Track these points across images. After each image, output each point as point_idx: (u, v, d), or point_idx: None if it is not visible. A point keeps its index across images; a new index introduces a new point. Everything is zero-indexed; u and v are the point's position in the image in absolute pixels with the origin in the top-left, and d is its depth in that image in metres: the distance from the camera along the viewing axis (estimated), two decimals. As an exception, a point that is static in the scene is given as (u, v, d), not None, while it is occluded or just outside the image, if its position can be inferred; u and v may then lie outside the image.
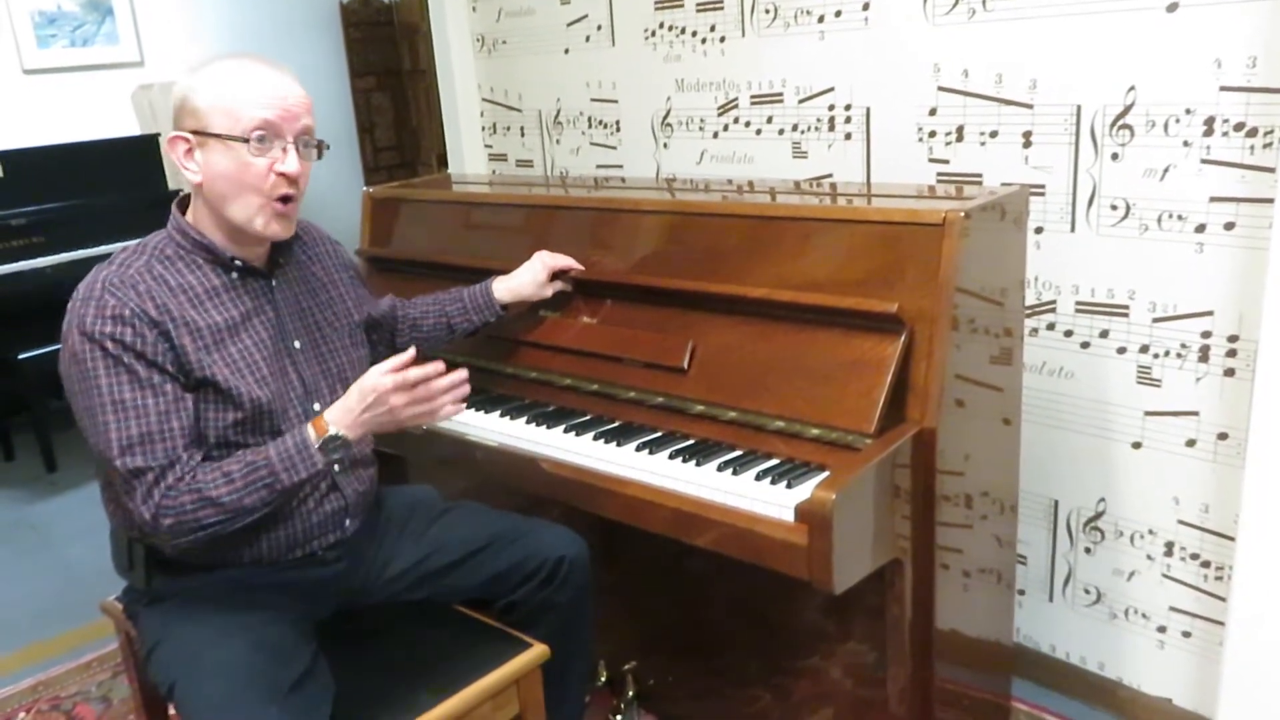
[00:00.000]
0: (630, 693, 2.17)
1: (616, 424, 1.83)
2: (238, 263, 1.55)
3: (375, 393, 1.48)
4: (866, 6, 2.14)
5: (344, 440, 1.48)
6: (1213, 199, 1.77)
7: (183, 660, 1.47)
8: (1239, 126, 1.72)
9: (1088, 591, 2.14)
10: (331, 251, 1.78)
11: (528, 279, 1.97)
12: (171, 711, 1.84)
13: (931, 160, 2.13)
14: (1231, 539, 1.85)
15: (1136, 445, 1.98)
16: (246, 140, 1.47)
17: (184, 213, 1.57)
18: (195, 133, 1.48)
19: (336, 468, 1.59)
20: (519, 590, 1.70)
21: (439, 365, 1.53)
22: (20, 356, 3.69)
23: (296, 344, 1.61)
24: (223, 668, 1.42)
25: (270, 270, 1.61)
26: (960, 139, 2.08)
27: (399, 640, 1.67)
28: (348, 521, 1.65)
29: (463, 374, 1.56)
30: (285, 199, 1.52)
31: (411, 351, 1.52)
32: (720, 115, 2.51)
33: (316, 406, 1.60)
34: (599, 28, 2.72)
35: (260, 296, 1.59)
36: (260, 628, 1.49)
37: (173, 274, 1.50)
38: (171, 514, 1.41)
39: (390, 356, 1.52)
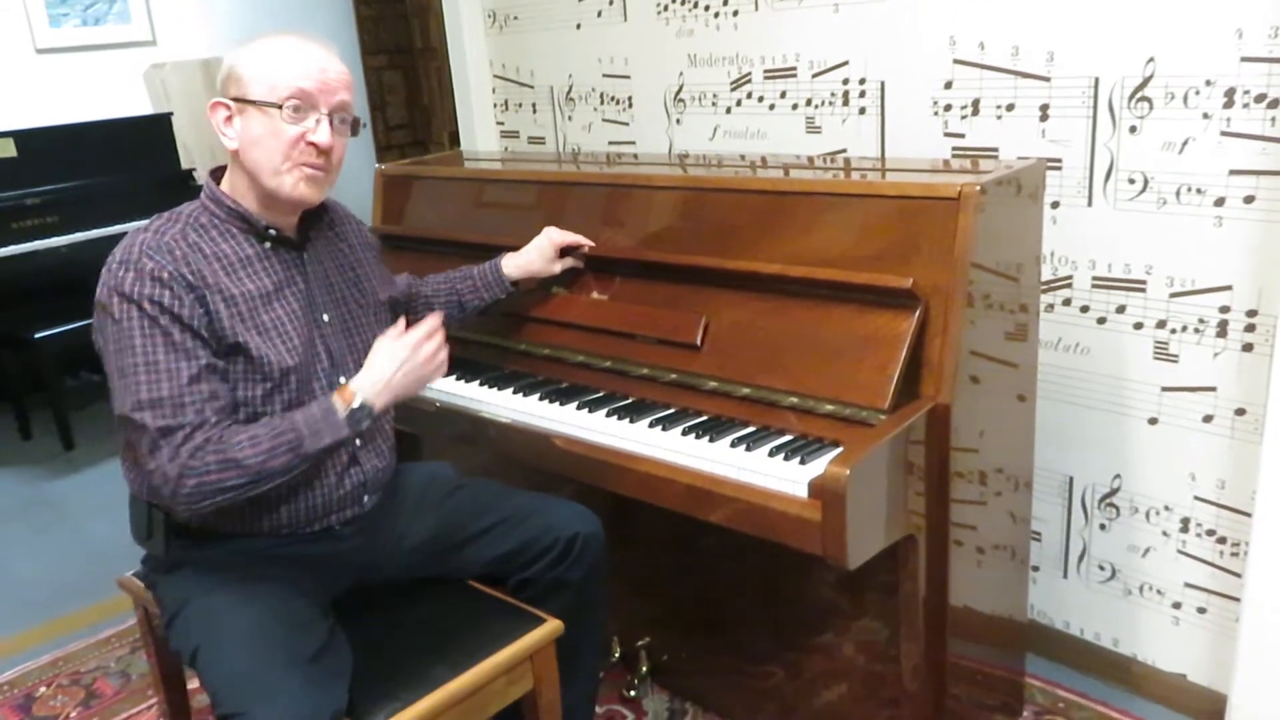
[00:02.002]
0: (644, 669, 2.18)
1: (629, 401, 1.83)
2: (271, 231, 1.57)
3: (407, 348, 1.56)
4: (881, -22, 2.12)
5: (370, 410, 1.52)
6: (1232, 172, 1.75)
7: (204, 627, 1.48)
8: (1260, 98, 1.69)
9: (1102, 568, 2.13)
10: (357, 230, 1.80)
11: (536, 255, 1.97)
12: (190, 685, 1.86)
13: (947, 134, 2.11)
14: (1248, 515, 1.84)
15: (1153, 421, 1.96)
16: (280, 107, 1.49)
17: (218, 183, 1.59)
18: (235, 100, 1.51)
19: (358, 441, 1.62)
20: (532, 567, 1.71)
21: (439, 317, 1.65)
22: (36, 335, 3.71)
23: (325, 317, 1.63)
24: (245, 635, 1.43)
25: (301, 242, 1.62)
26: (976, 113, 2.05)
27: (414, 615, 1.68)
28: (366, 498, 1.66)
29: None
30: (315, 165, 1.55)
31: (401, 322, 1.63)
32: (733, 90, 2.49)
33: (342, 379, 1.61)
34: (611, 3, 2.70)
35: (292, 268, 1.60)
36: (279, 598, 1.51)
37: (207, 241, 1.52)
38: (196, 474, 1.41)
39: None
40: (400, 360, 1.55)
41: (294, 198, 1.55)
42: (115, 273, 1.46)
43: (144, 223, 1.54)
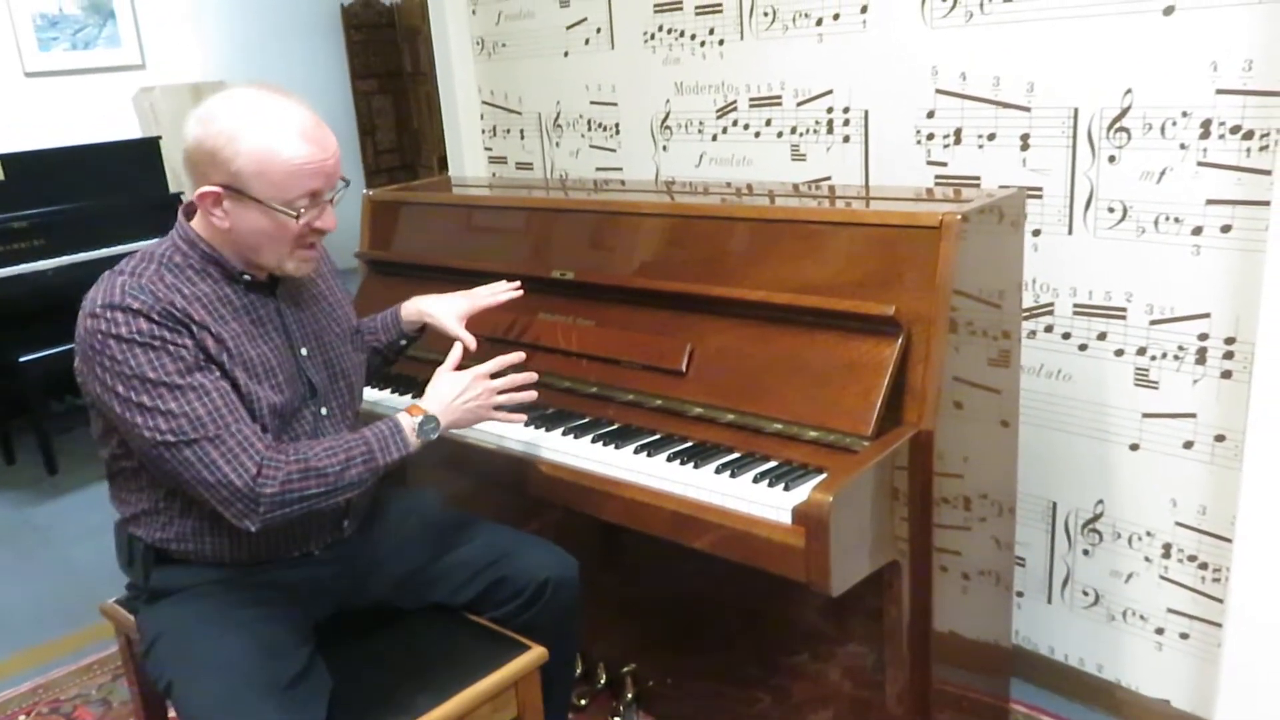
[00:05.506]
0: (629, 695, 2.17)
1: (615, 426, 1.83)
2: (246, 277, 1.55)
3: (473, 376, 1.60)
4: (865, 9, 2.14)
5: (438, 423, 1.56)
6: (1209, 201, 1.78)
7: (180, 656, 1.48)
8: (1235, 129, 1.72)
9: (1086, 593, 2.14)
10: (325, 258, 1.78)
11: (443, 306, 1.89)
12: (171, 715, 1.85)
13: (930, 163, 2.14)
14: (1229, 541, 1.85)
15: (1134, 447, 1.98)
16: (295, 214, 1.46)
17: (189, 218, 1.55)
18: (228, 188, 1.44)
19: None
20: (502, 608, 1.70)
21: (520, 355, 1.69)
22: (21, 359, 3.69)
23: (304, 351, 1.62)
24: (220, 664, 1.43)
25: (273, 283, 1.61)
26: (958, 142, 2.08)
27: (397, 641, 1.67)
28: (345, 523, 1.66)
29: (530, 376, 1.68)
30: (316, 244, 1.56)
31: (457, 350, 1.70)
32: (719, 118, 2.51)
33: (324, 410, 1.62)
34: (598, 31, 2.73)
35: (268, 306, 1.59)
36: (257, 625, 1.50)
37: (184, 283, 1.49)
38: (275, 482, 1.41)
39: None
40: (461, 388, 1.59)
41: (293, 276, 1.57)
42: (102, 316, 1.41)
43: (118, 266, 1.50)
